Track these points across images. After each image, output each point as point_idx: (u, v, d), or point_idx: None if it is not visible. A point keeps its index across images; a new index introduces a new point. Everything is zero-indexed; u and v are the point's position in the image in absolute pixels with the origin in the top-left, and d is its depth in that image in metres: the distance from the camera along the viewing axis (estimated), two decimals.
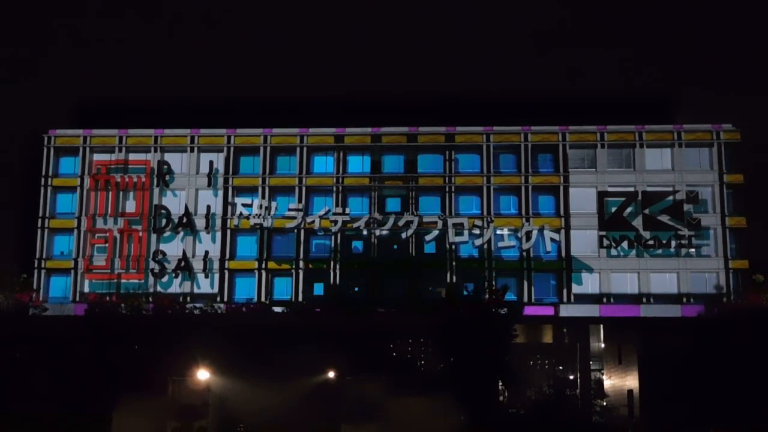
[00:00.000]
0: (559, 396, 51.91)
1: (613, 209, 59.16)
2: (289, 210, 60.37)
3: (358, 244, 60.55)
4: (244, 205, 60.57)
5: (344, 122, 61.47)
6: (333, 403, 42.22)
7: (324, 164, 62.00)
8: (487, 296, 49.61)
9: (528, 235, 59.01)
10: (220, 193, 61.24)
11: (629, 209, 59.16)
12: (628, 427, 51.24)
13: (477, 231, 59.18)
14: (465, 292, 51.08)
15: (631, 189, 59.70)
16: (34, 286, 58.40)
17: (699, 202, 59.20)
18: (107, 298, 53.21)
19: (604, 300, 58.23)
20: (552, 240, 58.78)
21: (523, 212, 59.70)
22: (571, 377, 63.22)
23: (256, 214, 60.16)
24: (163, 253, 60.49)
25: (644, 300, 57.88)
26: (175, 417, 39.70)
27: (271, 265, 59.99)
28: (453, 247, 59.26)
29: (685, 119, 61.33)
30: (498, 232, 59.47)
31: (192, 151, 62.19)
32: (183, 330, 46.13)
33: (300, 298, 58.74)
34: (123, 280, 59.53)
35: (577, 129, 60.62)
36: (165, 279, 59.92)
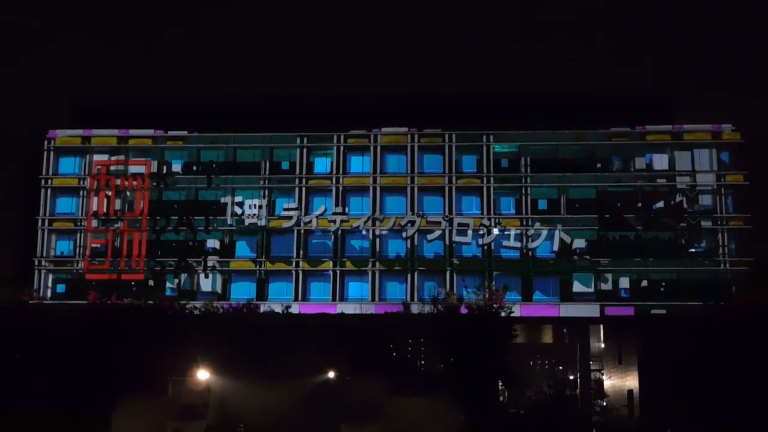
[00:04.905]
0: (559, 396, 51.92)
1: (613, 209, 59.00)
2: (285, 209, 60.28)
3: (356, 244, 60.50)
4: (239, 204, 60.41)
5: (344, 122, 61.52)
6: (333, 403, 42.37)
7: (324, 164, 61.99)
8: (487, 296, 49.67)
9: (536, 233, 58.75)
10: (221, 193, 61.21)
11: (629, 209, 58.97)
12: (628, 427, 51.23)
13: (481, 231, 58.99)
14: (465, 293, 51.21)
15: (631, 189, 59.66)
16: (34, 286, 58.41)
17: (699, 202, 59.16)
18: (107, 298, 53.18)
19: (604, 300, 57.98)
20: (562, 241, 58.43)
21: (524, 212, 59.58)
22: (571, 377, 63.33)
23: (253, 214, 60.03)
24: (163, 253, 60.48)
25: (644, 300, 57.68)
26: (175, 417, 39.81)
27: (270, 265, 60.02)
28: (454, 247, 59.22)
29: (685, 119, 61.30)
30: (505, 232, 59.14)
31: (193, 151, 62.22)
32: (183, 330, 46.16)
33: (300, 298, 58.75)
34: (123, 280, 59.57)
35: (576, 129, 60.53)
36: (165, 279, 59.89)
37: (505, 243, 58.85)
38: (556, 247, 58.27)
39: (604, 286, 57.92)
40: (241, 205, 60.28)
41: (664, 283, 58.07)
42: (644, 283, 58.00)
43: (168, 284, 59.65)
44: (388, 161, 61.83)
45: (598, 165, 60.24)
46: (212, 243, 60.27)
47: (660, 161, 60.43)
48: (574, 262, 58.29)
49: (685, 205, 58.81)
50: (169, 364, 44.01)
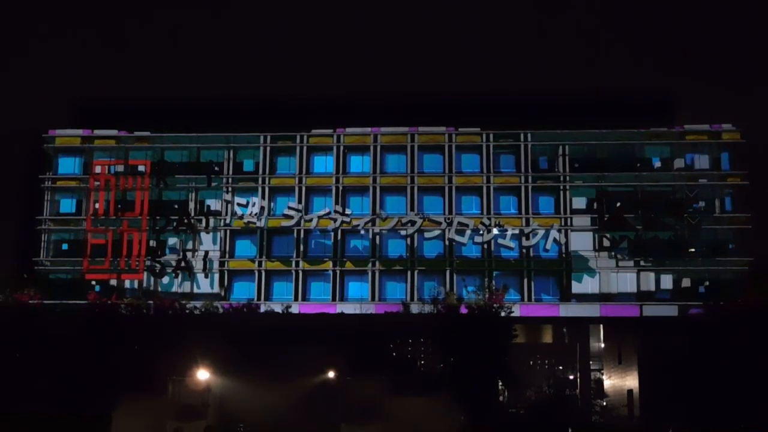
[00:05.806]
0: (559, 396, 51.98)
1: (613, 209, 59.01)
2: (289, 208, 60.28)
3: (356, 244, 60.51)
4: (239, 205, 60.45)
5: (344, 122, 61.62)
6: (333, 403, 42.36)
7: (324, 164, 62.03)
8: (487, 296, 49.68)
9: (533, 232, 58.69)
10: (220, 193, 61.26)
11: (629, 209, 58.98)
12: (628, 427, 51.23)
13: (481, 231, 58.90)
14: (465, 292, 51.23)
15: (631, 189, 59.68)
16: (34, 287, 58.36)
17: (699, 202, 59.18)
18: (107, 298, 53.21)
19: (604, 300, 57.95)
20: (555, 241, 58.42)
21: (524, 212, 59.59)
22: (571, 377, 63.41)
23: (253, 213, 60.04)
24: (163, 253, 60.51)
25: (644, 300, 57.69)
26: (175, 417, 39.81)
27: (270, 265, 60.01)
28: (454, 247, 59.21)
29: (685, 119, 61.35)
30: (503, 231, 59.02)
31: (193, 151, 62.27)
32: (183, 330, 46.18)
33: (300, 298, 58.79)
34: (123, 280, 59.60)
35: (575, 129, 60.53)
36: (165, 279, 59.93)
37: (500, 241, 58.87)
38: (551, 246, 58.38)
39: (605, 287, 57.97)
40: (241, 205, 60.35)
41: (672, 283, 58.13)
42: (648, 284, 58.04)
43: (167, 284, 59.75)
44: (388, 161, 61.87)
45: (599, 165, 60.36)
46: (209, 243, 60.39)
47: (660, 161, 60.47)
48: (574, 262, 58.35)
49: (685, 205, 58.87)
50: (169, 364, 44.00)
